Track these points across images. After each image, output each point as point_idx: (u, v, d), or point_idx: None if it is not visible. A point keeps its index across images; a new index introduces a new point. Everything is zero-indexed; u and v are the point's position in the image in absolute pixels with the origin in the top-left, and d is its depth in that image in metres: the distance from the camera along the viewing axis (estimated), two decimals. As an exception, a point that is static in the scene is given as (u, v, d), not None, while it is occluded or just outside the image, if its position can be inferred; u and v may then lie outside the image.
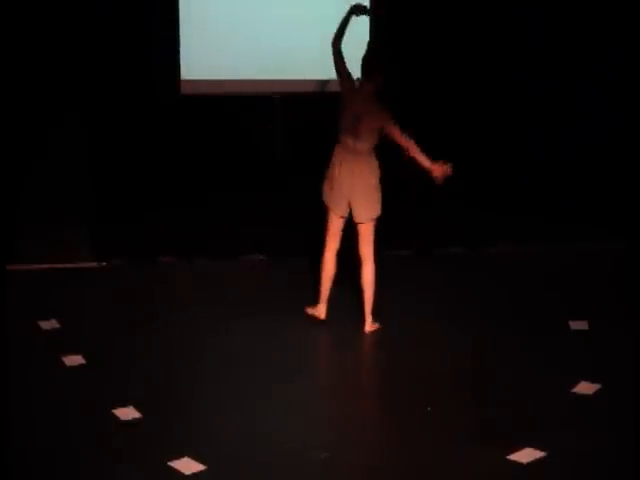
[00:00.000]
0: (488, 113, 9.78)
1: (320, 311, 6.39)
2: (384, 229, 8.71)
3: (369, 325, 6.30)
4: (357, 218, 6.14)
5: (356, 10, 6.11)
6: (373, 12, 8.34)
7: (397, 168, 9.55)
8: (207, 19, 9.25)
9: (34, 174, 7.86)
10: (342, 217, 6.18)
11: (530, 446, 4.61)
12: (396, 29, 9.55)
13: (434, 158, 5.98)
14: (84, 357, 5.78)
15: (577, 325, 6.38)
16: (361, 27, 9.34)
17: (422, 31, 9.64)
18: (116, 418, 4.95)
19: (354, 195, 6.08)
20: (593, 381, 5.40)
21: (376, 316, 6.30)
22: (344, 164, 6.06)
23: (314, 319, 6.39)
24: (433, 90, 9.71)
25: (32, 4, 8.06)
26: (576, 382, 5.39)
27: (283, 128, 9.48)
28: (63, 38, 8.02)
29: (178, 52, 9.32)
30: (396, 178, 9.56)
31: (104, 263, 7.72)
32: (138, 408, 5.04)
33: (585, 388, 5.33)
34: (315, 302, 6.41)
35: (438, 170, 5.92)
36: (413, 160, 6.00)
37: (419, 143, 6.02)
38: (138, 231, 8.43)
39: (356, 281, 6.32)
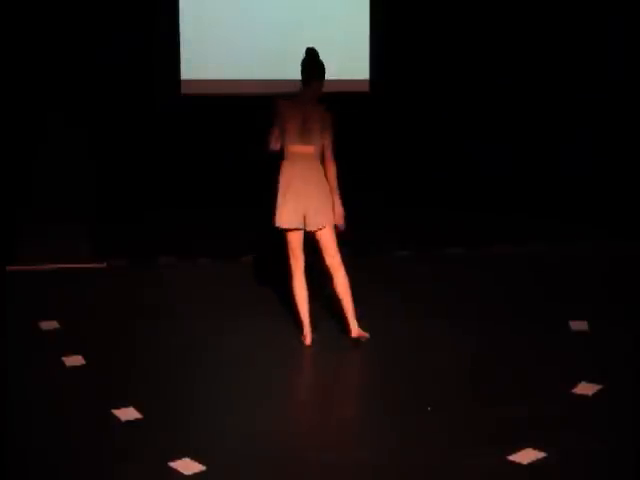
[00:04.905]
0: (489, 113, 9.79)
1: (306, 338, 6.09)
2: (385, 229, 8.76)
3: (356, 331, 5.98)
4: (316, 225, 5.88)
5: None
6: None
7: (396, 169, 9.59)
8: (207, 19, 9.27)
9: (34, 174, 7.86)
10: (300, 230, 5.95)
11: (530, 446, 4.60)
12: (395, 27, 9.56)
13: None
14: (84, 357, 5.78)
15: (577, 325, 6.38)
16: (361, 27, 9.41)
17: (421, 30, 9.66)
18: (116, 418, 4.94)
19: (311, 202, 5.85)
20: (593, 381, 5.40)
21: (360, 322, 5.99)
22: (296, 176, 5.85)
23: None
24: (433, 89, 9.71)
25: (32, 5, 8.06)
26: (576, 382, 5.39)
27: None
28: (63, 38, 8.02)
29: (178, 52, 9.33)
30: (395, 179, 9.61)
31: (104, 263, 7.73)
32: (138, 408, 5.04)
33: (585, 388, 5.32)
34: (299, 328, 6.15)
35: (338, 214, 5.89)
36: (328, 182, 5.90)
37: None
38: (138, 231, 8.44)
39: (329, 292, 6.09)
